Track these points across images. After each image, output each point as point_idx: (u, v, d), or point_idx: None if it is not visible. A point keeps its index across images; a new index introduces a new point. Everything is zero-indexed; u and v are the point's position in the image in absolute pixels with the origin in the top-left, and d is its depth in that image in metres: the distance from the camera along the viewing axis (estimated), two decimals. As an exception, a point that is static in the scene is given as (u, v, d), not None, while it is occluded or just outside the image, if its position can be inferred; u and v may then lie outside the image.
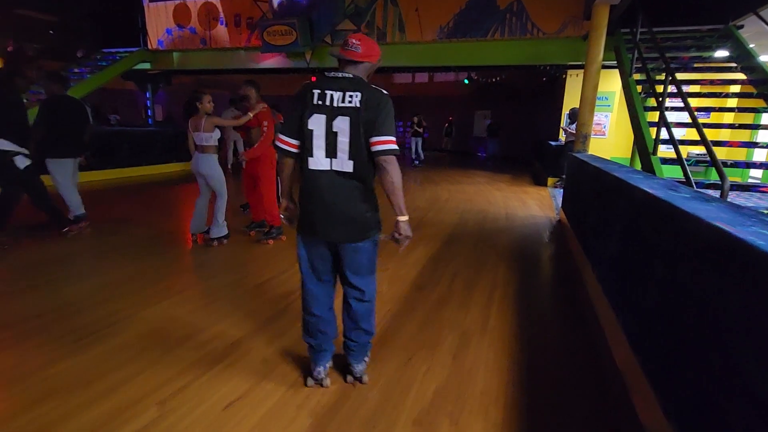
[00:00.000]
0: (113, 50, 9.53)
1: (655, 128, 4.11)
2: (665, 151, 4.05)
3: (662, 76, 4.40)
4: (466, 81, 16.93)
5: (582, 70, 9.99)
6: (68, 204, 4.58)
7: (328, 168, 1.79)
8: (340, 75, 1.79)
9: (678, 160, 3.39)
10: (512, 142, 16.01)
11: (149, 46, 9.50)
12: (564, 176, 9.22)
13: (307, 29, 7.87)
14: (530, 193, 8.53)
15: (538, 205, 7.31)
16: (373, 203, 1.91)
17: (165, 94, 19.67)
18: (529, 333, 2.74)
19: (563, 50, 7.17)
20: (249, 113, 4.03)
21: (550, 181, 9.42)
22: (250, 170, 4.36)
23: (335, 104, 1.74)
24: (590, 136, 5.97)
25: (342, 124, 1.73)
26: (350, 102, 1.72)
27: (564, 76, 9.03)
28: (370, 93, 1.74)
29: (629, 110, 4.94)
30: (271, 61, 8.64)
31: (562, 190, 8.78)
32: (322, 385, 2.09)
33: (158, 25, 9.31)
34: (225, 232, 4.32)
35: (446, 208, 6.73)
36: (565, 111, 10.42)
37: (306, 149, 1.80)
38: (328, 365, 2.13)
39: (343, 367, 2.20)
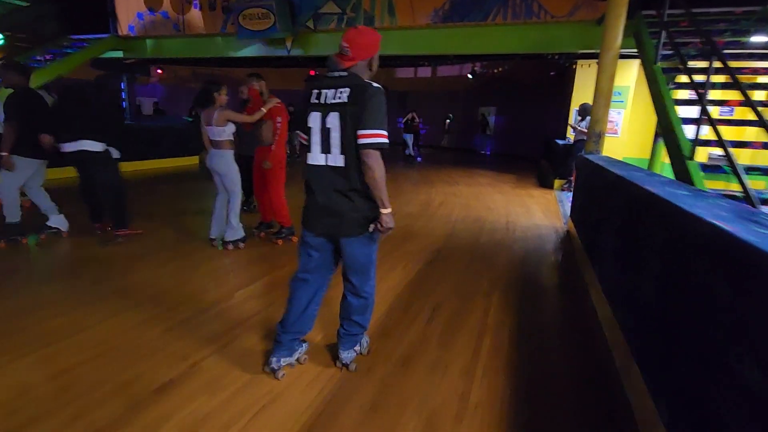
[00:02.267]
0: (82, 37, 8.74)
1: (693, 126, 3.27)
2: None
3: (698, 64, 3.58)
4: (470, 75, 16.16)
5: (594, 60, 9.14)
6: (40, 207, 4.19)
7: (323, 163, 1.86)
8: (336, 74, 1.84)
9: (731, 169, 2.54)
10: (518, 140, 15.16)
11: (119, 33, 8.71)
12: (572, 179, 8.42)
13: (286, 12, 7.05)
14: (535, 196, 7.69)
15: (543, 211, 6.48)
16: (369, 198, 1.88)
17: (154, 86, 19.10)
18: (527, 413, 1.93)
19: (574, 36, 6.28)
20: (262, 108, 3.87)
21: (557, 183, 8.57)
22: (259, 168, 4.18)
23: (328, 101, 1.81)
24: (604, 134, 5.14)
25: (333, 120, 1.79)
26: (339, 98, 1.78)
27: (573, 66, 8.15)
28: (358, 87, 1.77)
29: (656, 104, 4.10)
30: (249, 49, 7.85)
31: (569, 194, 7.97)
32: (276, 377, 2.10)
33: (129, 10, 8.52)
34: (241, 234, 4.08)
35: (438, 215, 5.92)
36: (574, 107, 9.58)
37: (307, 145, 1.93)
38: (284, 360, 2.13)
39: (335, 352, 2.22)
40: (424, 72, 17.77)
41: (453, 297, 3.19)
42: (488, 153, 16.33)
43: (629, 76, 8.02)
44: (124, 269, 3.53)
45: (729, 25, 4.84)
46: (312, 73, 20.64)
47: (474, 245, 4.56)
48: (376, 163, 1.76)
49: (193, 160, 9.68)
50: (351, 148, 1.79)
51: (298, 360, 2.21)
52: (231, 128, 3.76)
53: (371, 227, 1.90)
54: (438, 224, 5.42)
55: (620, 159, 4.99)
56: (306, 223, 2.01)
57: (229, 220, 3.98)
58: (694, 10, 5.16)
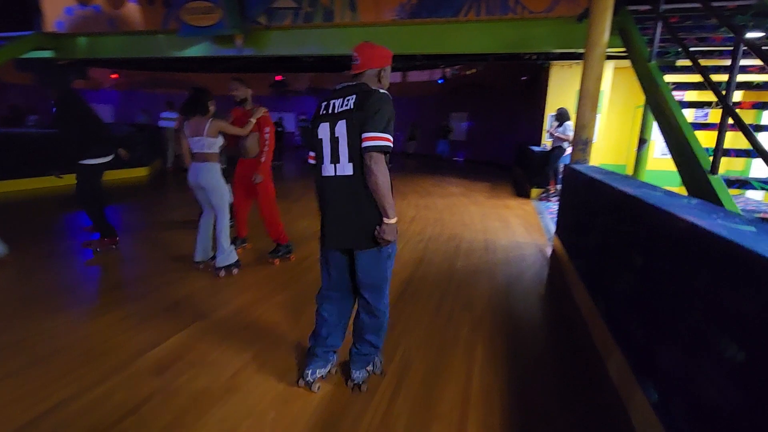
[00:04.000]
0: (2, 35, 7.65)
1: (711, 132, 2.70)
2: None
3: (705, 62, 3.04)
4: (441, 81, 15.75)
5: (570, 62, 8.81)
6: None
7: (334, 174, 1.84)
8: (345, 84, 1.84)
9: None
10: (490, 147, 14.75)
11: (45, 29, 7.68)
12: (549, 188, 7.94)
13: (234, 7, 6.25)
14: (513, 207, 7.13)
15: (523, 225, 5.90)
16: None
17: (107, 92, 17.78)
18: None
19: (553, 34, 5.75)
20: (251, 119, 3.64)
21: (534, 192, 8.07)
22: (244, 181, 3.88)
23: (336, 110, 1.80)
24: (591, 141, 4.58)
25: (341, 128, 1.78)
26: (347, 105, 1.77)
27: (547, 66, 7.68)
28: (364, 94, 1.76)
29: (654, 109, 3.56)
30: (196, 49, 6.99)
31: (549, 205, 7.47)
32: (310, 389, 2.05)
33: (55, 3, 7.49)
34: (234, 258, 3.67)
35: (410, 233, 5.23)
36: (550, 111, 9.16)
37: (318, 158, 1.89)
38: (319, 372, 2.09)
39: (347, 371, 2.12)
40: (394, 77, 17.22)
41: (425, 352, 2.49)
42: (461, 159, 15.87)
43: (604, 79, 7.60)
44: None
45: (722, 20, 4.36)
46: (278, 78, 19.83)
47: (449, 273, 3.89)
48: (378, 167, 1.73)
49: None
50: (358, 156, 1.76)
51: (329, 371, 2.18)
52: (220, 140, 3.51)
53: (381, 236, 1.81)
54: (408, 245, 4.73)
55: (597, 166, 4.47)
56: (322, 238, 1.98)
57: (219, 243, 3.56)
58: (678, 6, 4.71)
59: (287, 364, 2.32)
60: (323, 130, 1.83)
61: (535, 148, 8.59)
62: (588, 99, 4.46)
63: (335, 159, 1.81)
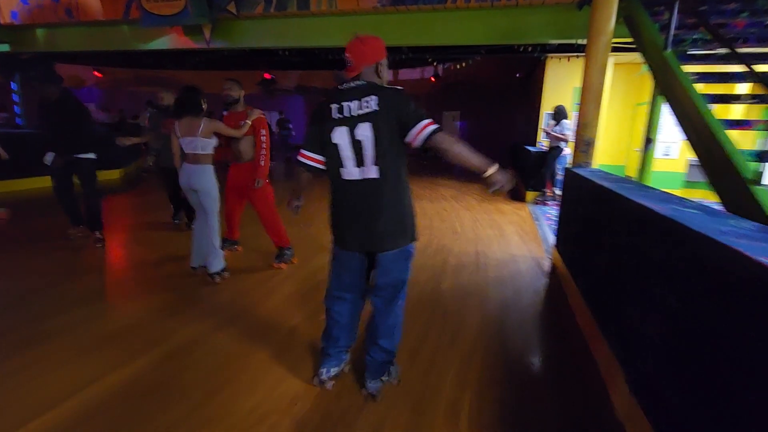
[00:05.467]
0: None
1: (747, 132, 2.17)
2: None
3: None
4: (433, 78, 15.25)
5: (567, 55, 8.26)
6: None
7: (359, 177, 1.79)
8: (352, 85, 1.79)
9: None
10: (484, 146, 14.17)
11: (0, 21, 7.04)
12: (546, 190, 7.43)
13: (200, -7, 5.69)
14: (507, 213, 6.61)
15: (518, 233, 5.38)
16: (404, 210, 1.86)
17: (89, 90, 17.09)
18: None
19: (550, 22, 5.21)
20: (247, 120, 3.52)
21: (530, 195, 7.55)
22: (238, 186, 3.78)
23: (354, 113, 1.74)
24: (594, 142, 4.07)
25: (364, 131, 1.73)
26: (367, 107, 1.73)
27: (543, 59, 7.14)
28: (384, 93, 1.74)
29: (672, 104, 3.03)
30: (162, 41, 6.39)
31: (546, 209, 6.96)
32: (324, 387, 2.10)
33: (9, -8, 6.87)
34: (224, 263, 3.60)
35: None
36: (546, 110, 8.66)
37: (336, 162, 1.81)
38: (333, 370, 2.14)
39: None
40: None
41: (400, 419, 1.94)
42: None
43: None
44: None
45: (743, 4, 3.86)
46: (267, 76, 19.15)
47: (434, 298, 3.34)
48: (451, 142, 1.71)
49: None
50: (384, 157, 1.74)
51: (342, 370, 2.19)
52: (214, 141, 3.37)
53: (490, 190, 1.76)
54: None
55: (601, 169, 3.98)
56: (339, 240, 1.95)
57: (213, 246, 3.47)
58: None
59: (303, 363, 2.34)
60: (340, 135, 1.76)
61: (531, 148, 8.07)
62: (591, 94, 3.93)
63: (359, 162, 1.77)
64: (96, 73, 16.89)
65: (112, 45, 6.80)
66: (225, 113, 3.70)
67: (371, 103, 1.71)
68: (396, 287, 1.96)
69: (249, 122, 3.51)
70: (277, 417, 1.92)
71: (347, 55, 1.80)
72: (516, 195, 8.06)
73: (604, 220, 2.63)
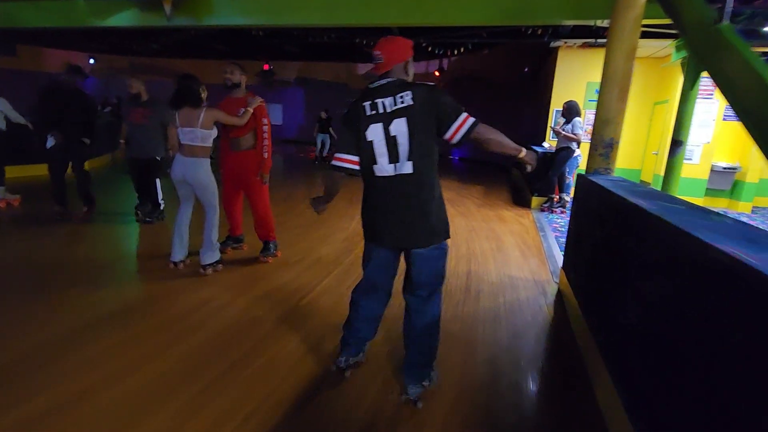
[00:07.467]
0: None
1: None
2: None
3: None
4: (437, 72, 14.51)
5: (584, 41, 7.32)
6: None
7: (393, 173, 1.79)
8: (384, 82, 1.81)
9: None
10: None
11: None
12: (554, 196, 6.64)
13: (159, -38, 4.94)
14: (508, 220, 5.85)
15: (519, 247, 4.62)
16: (438, 207, 1.86)
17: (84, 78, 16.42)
18: None
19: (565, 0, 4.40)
20: (247, 108, 3.37)
21: (535, 201, 6.77)
22: (235, 177, 3.65)
23: (388, 109, 1.75)
24: (617, 144, 3.30)
25: (399, 126, 1.74)
26: (402, 102, 1.74)
27: (554, 48, 6.29)
28: (419, 89, 1.75)
29: (729, 89, 2.26)
30: (120, 17, 5.66)
31: (554, 218, 6.15)
32: (344, 375, 2.12)
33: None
34: (219, 255, 3.53)
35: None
36: (555, 106, 7.84)
37: (369, 159, 1.82)
38: (352, 359, 2.15)
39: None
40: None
41: None
42: (455, 158, 14.57)
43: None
44: None
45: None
46: (266, 67, 18.45)
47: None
48: (490, 132, 1.78)
49: None
50: (418, 152, 1.75)
51: (359, 359, 2.20)
52: (215, 132, 3.36)
53: (528, 169, 1.89)
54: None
55: (627, 179, 3.24)
56: (372, 236, 1.96)
57: (209, 239, 3.41)
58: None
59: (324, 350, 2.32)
60: (375, 132, 1.77)
61: (537, 148, 7.26)
62: (615, 84, 3.16)
63: (394, 158, 1.77)
64: (92, 60, 16.36)
65: (69, 22, 6.06)
66: (224, 100, 3.54)
67: (406, 98, 1.72)
68: (432, 285, 1.95)
69: (250, 110, 3.37)
70: None
71: (377, 52, 1.81)
72: (519, 200, 7.29)
73: (634, 249, 1.87)
